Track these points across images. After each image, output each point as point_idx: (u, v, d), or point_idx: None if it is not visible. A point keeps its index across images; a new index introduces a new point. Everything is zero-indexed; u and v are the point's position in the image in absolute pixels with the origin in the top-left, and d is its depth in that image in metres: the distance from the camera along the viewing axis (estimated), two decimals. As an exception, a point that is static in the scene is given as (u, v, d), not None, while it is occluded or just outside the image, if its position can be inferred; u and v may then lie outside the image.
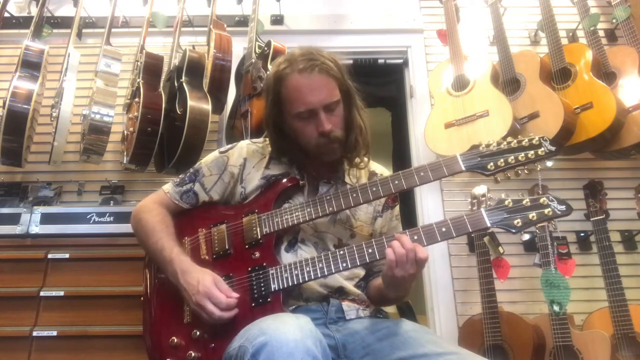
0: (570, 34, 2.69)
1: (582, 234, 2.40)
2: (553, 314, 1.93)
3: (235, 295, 1.15)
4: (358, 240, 1.32)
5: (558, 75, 2.30)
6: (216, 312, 1.11)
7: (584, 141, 2.15)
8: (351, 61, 2.77)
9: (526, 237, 2.32)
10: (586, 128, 2.14)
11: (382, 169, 1.48)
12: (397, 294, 1.18)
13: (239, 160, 1.38)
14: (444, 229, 1.12)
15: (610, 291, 1.99)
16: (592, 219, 2.14)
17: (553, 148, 1.16)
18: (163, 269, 1.25)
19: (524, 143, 1.18)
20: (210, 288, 1.13)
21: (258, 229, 1.25)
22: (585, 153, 2.35)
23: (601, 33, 2.62)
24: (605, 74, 2.30)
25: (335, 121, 1.26)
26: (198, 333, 1.17)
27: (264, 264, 1.20)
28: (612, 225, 2.23)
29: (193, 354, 1.15)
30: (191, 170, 1.40)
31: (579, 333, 1.96)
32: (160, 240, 1.26)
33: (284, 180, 1.32)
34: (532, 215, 1.09)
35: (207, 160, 1.41)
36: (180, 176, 1.40)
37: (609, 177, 2.46)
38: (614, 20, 2.50)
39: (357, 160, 1.36)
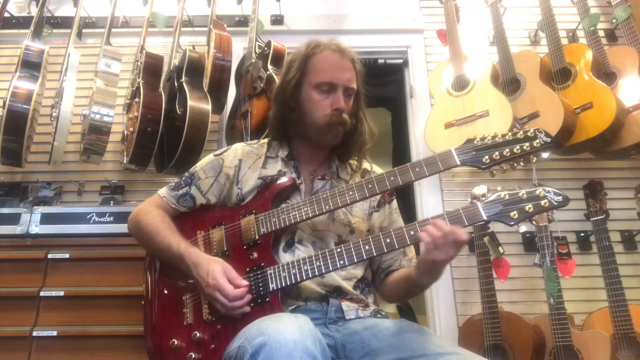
0: (570, 34, 2.69)
1: (582, 234, 2.40)
2: (551, 309, 1.93)
3: (244, 283, 1.17)
4: (357, 236, 1.34)
5: (558, 75, 2.30)
6: (227, 304, 1.13)
7: (584, 141, 2.15)
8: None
9: (523, 229, 2.31)
10: (586, 128, 2.14)
11: (376, 168, 1.50)
12: (432, 279, 1.18)
13: (234, 162, 1.39)
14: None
15: (610, 291, 1.99)
16: (592, 219, 2.14)
17: (548, 139, 1.15)
18: (173, 263, 1.26)
19: (519, 135, 1.17)
20: (218, 280, 1.14)
21: (256, 229, 1.25)
22: (585, 153, 2.35)
23: (601, 33, 2.62)
24: (605, 74, 2.30)
25: (348, 108, 1.34)
26: (198, 334, 1.18)
27: (262, 264, 1.21)
28: (612, 225, 2.23)
29: (194, 356, 1.15)
30: (186, 174, 1.41)
31: (579, 333, 1.96)
32: (167, 238, 1.27)
33: (281, 180, 1.33)
34: (529, 206, 1.07)
35: (202, 163, 1.42)
36: (175, 180, 1.41)
37: (609, 177, 2.46)
38: (614, 20, 2.50)
39: (354, 160, 1.41)
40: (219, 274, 1.16)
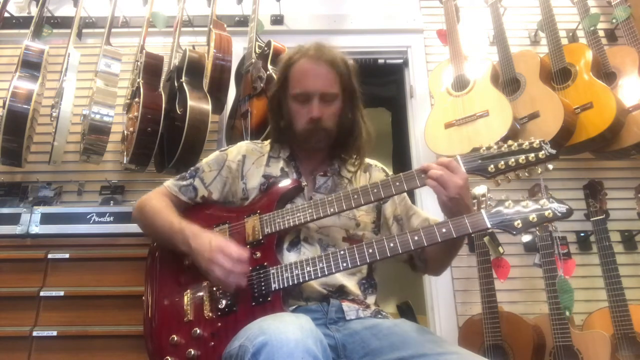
0: (570, 34, 2.69)
1: (582, 234, 2.40)
2: (554, 315, 1.94)
3: (246, 251, 1.18)
4: (363, 228, 1.36)
5: (558, 75, 2.30)
6: (228, 265, 1.14)
7: (584, 141, 2.15)
8: (351, 61, 2.77)
9: (526, 238, 2.31)
10: (586, 128, 2.14)
11: (375, 162, 1.52)
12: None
13: (237, 157, 1.43)
14: (444, 230, 1.12)
15: (610, 291, 1.99)
16: (592, 219, 2.14)
17: (554, 151, 1.17)
18: (173, 241, 1.26)
19: (524, 146, 1.19)
20: (221, 243, 1.17)
21: (260, 229, 1.26)
22: (585, 153, 2.35)
23: (601, 33, 2.62)
24: (605, 74, 2.30)
25: (328, 113, 1.33)
26: (198, 331, 1.17)
27: (265, 264, 1.21)
28: (612, 225, 2.23)
29: (193, 352, 1.15)
30: (192, 168, 1.45)
31: (579, 333, 1.96)
32: (168, 217, 1.29)
33: (286, 182, 1.35)
34: (532, 217, 1.09)
35: (208, 158, 1.46)
36: (181, 174, 1.44)
37: (609, 177, 2.46)
38: (614, 20, 2.50)
39: (352, 162, 1.41)
40: (222, 240, 1.19)
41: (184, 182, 1.40)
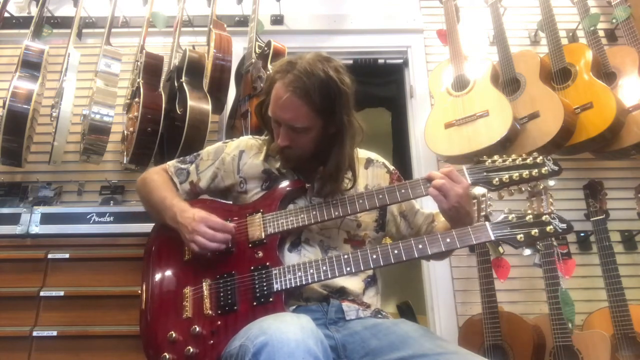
0: (570, 34, 2.69)
1: (582, 234, 2.40)
2: (554, 315, 1.94)
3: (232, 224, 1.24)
4: (364, 228, 1.37)
5: (558, 75, 2.30)
6: (208, 232, 1.19)
7: (584, 141, 2.15)
8: (351, 61, 2.77)
9: (527, 252, 2.20)
10: (586, 128, 2.14)
11: (376, 156, 1.51)
12: (467, 223, 1.21)
13: (234, 151, 1.44)
14: (448, 240, 1.15)
15: (610, 291, 1.99)
16: (592, 219, 2.15)
17: (556, 167, 1.21)
18: (163, 216, 1.31)
19: (528, 161, 1.22)
20: (205, 215, 1.22)
21: (262, 228, 1.26)
22: (585, 153, 2.35)
23: (601, 33, 2.62)
24: (605, 74, 2.30)
25: (298, 141, 1.28)
26: (197, 329, 1.16)
27: (267, 264, 1.21)
28: (612, 225, 2.23)
29: (191, 350, 1.13)
30: (195, 153, 1.48)
31: (579, 333, 1.96)
32: (164, 192, 1.35)
33: (290, 182, 1.35)
34: (535, 231, 1.12)
35: (210, 147, 1.50)
36: (183, 157, 1.49)
37: (609, 177, 2.46)
38: (614, 20, 2.50)
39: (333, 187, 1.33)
40: (206, 213, 1.24)
41: (183, 166, 1.46)
